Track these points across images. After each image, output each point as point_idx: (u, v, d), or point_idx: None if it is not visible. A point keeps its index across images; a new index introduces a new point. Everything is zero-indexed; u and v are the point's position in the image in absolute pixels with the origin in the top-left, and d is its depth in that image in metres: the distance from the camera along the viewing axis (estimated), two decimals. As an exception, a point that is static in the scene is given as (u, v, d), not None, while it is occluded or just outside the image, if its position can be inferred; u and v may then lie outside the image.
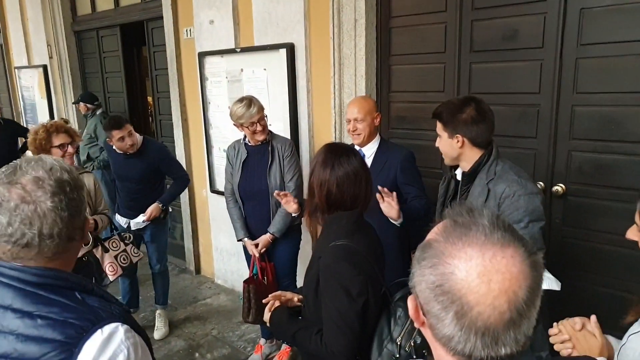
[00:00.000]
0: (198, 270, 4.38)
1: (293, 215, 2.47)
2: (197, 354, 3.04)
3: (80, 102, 4.68)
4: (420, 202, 2.19)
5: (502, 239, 0.60)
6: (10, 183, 0.87)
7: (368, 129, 2.29)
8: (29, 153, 5.15)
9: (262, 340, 2.98)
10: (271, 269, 2.67)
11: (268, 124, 2.66)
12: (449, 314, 0.59)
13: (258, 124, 2.55)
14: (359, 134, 2.29)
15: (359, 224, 1.42)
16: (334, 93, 2.89)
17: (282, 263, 2.75)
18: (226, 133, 3.70)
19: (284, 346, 2.91)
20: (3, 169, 0.91)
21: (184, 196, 4.31)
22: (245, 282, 2.63)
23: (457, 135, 1.65)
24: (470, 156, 1.67)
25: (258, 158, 2.62)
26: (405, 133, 2.77)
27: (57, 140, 2.42)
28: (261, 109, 2.58)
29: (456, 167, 1.77)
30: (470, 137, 1.64)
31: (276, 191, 2.29)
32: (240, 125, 2.61)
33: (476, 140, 1.65)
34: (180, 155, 4.24)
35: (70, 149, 2.41)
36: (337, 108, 2.90)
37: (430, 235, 0.65)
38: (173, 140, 4.30)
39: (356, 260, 1.33)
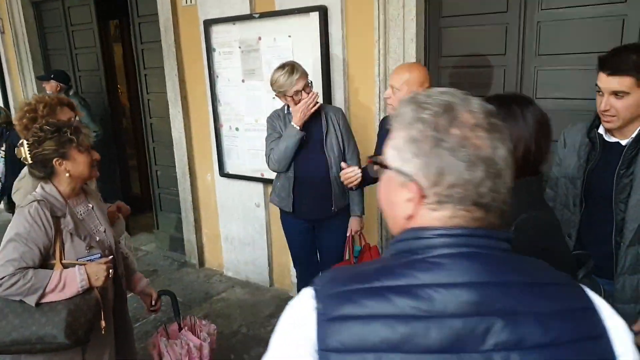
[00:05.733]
0: (202, 263, 4.00)
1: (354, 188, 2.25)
2: (232, 356, 2.73)
3: (52, 81, 4.08)
4: None
5: None
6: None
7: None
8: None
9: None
10: (373, 250, 2.43)
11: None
12: None
13: (303, 92, 2.27)
14: (390, 104, 2.05)
15: None
16: (379, 59, 2.64)
17: (332, 249, 2.49)
18: (239, 109, 3.35)
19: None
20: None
21: (184, 182, 3.90)
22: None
23: None
24: None
25: (310, 130, 2.32)
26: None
27: (64, 115, 2.03)
28: (305, 75, 2.30)
29: (597, 126, 1.58)
30: None
31: (343, 171, 2.14)
32: (282, 96, 2.32)
33: None
34: (178, 138, 3.82)
35: None
36: (382, 75, 2.65)
37: None
38: (168, 120, 3.87)
39: (561, 234, 1.12)
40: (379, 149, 2.22)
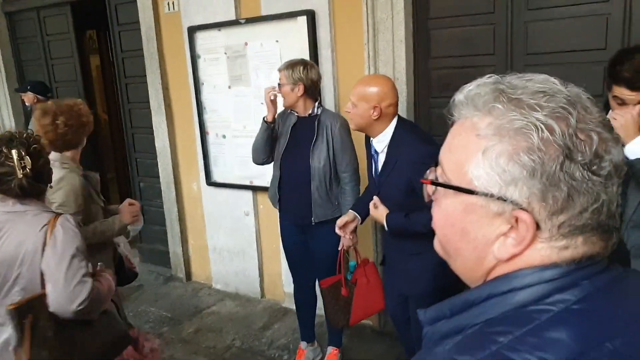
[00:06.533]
0: (189, 276, 3.88)
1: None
2: (227, 369, 2.63)
3: (29, 92, 3.93)
4: (423, 216, 1.85)
5: None
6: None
7: (359, 119, 1.87)
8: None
9: (304, 344, 2.64)
10: (369, 268, 2.29)
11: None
12: None
13: (280, 86, 2.28)
14: (351, 118, 1.92)
15: None
16: (368, 62, 2.63)
17: (323, 259, 2.40)
18: (226, 116, 3.29)
19: (331, 349, 2.59)
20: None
21: (168, 193, 3.80)
22: (323, 283, 2.27)
23: None
24: None
25: (304, 132, 2.29)
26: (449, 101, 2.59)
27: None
28: (285, 71, 2.25)
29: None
30: None
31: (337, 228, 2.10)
32: None
33: None
34: (162, 147, 3.72)
35: None
36: (373, 78, 2.65)
37: None
38: (151, 130, 3.77)
39: None
40: (373, 167, 2.03)
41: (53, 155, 2.00)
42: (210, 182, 3.48)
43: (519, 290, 0.49)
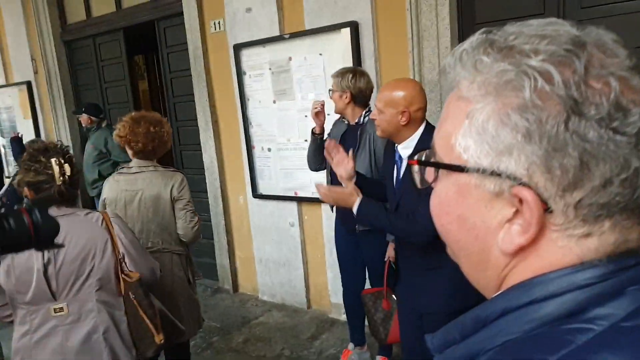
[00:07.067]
0: (236, 288, 3.93)
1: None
2: (278, 378, 2.63)
3: (84, 114, 4.19)
4: (406, 220, 1.65)
5: None
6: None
7: (386, 125, 1.75)
8: None
9: (351, 345, 2.62)
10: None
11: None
12: None
13: (332, 91, 2.37)
14: (378, 125, 1.80)
15: None
16: (413, 69, 2.64)
17: (373, 265, 2.38)
18: (271, 130, 3.36)
19: (379, 358, 2.55)
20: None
21: (216, 207, 3.89)
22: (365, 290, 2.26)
23: None
24: None
25: (350, 140, 2.31)
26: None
27: None
28: (335, 79, 2.35)
29: None
30: None
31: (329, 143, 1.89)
32: None
33: None
34: (210, 162, 3.84)
35: None
36: (418, 85, 2.64)
37: None
38: (198, 147, 3.90)
39: None
40: (394, 174, 1.87)
41: (145, 162, 2.20)
42: (256, 195, 3.54)
43: (543, 301, 0.38)
